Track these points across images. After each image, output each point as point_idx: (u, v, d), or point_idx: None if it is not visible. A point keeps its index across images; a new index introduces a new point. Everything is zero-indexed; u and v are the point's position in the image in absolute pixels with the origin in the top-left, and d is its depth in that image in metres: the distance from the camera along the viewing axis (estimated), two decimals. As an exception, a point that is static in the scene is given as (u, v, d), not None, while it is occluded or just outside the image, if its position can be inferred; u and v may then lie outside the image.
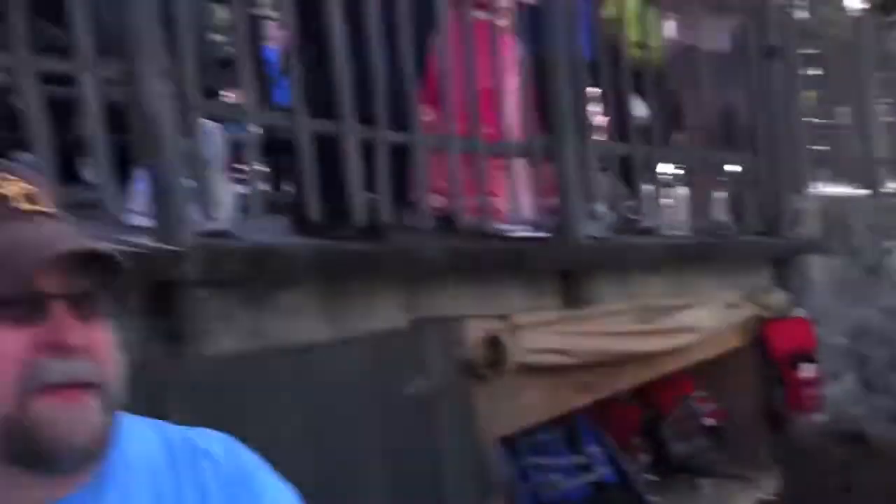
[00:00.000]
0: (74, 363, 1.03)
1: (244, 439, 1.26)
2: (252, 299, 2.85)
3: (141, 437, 1.19)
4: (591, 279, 4.34)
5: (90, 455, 1.07)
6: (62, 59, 2.61)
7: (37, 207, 1.06)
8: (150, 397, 2.40)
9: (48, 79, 2.59)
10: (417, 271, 3.46)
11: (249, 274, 2.80)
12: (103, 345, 1.07)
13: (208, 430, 1.25)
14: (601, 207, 4.62)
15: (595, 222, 4.50)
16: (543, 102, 4.38)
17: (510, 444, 4.24)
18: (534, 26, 4.41)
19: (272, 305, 2.92)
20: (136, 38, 2.67)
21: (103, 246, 1.06)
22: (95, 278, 1.06)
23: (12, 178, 1.08)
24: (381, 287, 3.33)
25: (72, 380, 1.03)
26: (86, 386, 1.04)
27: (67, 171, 2.89)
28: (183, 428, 1.25)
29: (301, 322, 3.00)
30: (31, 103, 2.47)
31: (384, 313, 3.32)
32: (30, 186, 1.08)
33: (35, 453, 1.04)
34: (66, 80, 2.70)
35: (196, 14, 3.17)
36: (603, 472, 4.70)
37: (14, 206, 1.05)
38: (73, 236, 1.06)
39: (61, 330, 1.03)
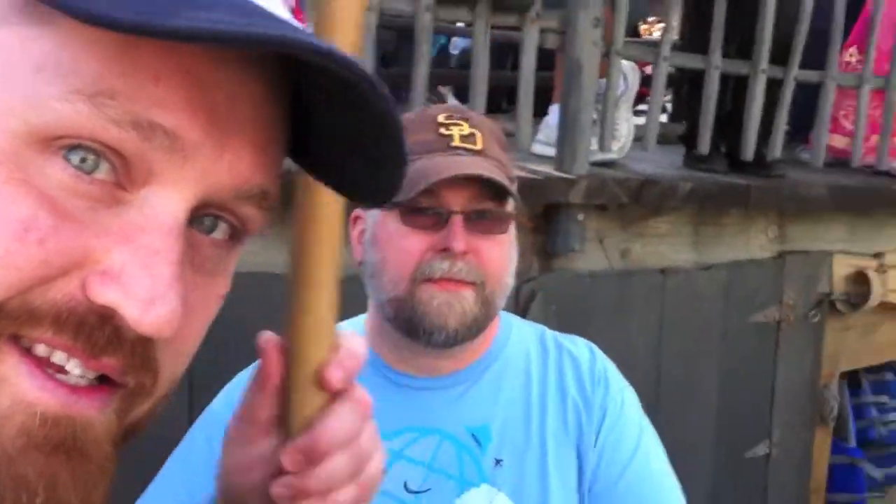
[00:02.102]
0: (457, 264, 1.33)
1: (600, 345, 1.54)
2: (627, 223, 3.22)
3: (522, 334, 1.54)
4: None
5: (459, 336, 1.35)
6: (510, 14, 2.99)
7: (466, 145, 1.37)
8: (521, 302, 2.94)
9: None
10: (792, 206, 3.57)
11: (627, 201, 3.09)
12: (487, 253, 1.36)
13: (578, 338, 1.56)
14: None
15: None
16: None
17: (854, 379, 4.25)
18: None
19: (644, 231, 3.25)
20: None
21: (495, 176, 1.33)
22: (494, 201, 1.36)
23: (461, 121, 1.41)
24: (753, 220, 3.51)
25: (451, 276, 1.32)
26: (463, 282, 1.33)
27: (494, 105, 3.37)
28: (559, 333, 1.56)
29: (669, 247, 3.31)
30: (479, 50, 2.94)
31: (752, 245, 3.52)
32: (470, 128, 1.39)
33: (416, 326, 1.35)
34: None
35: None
36: (948, 416, 4.46)
37: (451, 144, 1.37)
38: (478, 166, 1.34)
39: (451, 238, 1.32)
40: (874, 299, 3.75)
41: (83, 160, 0.47)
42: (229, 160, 0.51)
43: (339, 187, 0.61)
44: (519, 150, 3.03)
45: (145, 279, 0.47)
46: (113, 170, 0.48)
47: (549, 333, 1.56)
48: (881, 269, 3.81)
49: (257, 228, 0.57)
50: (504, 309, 1.51)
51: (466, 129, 1.39)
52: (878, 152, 3.98)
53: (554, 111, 3.23)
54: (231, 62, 0.50)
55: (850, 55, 4.12)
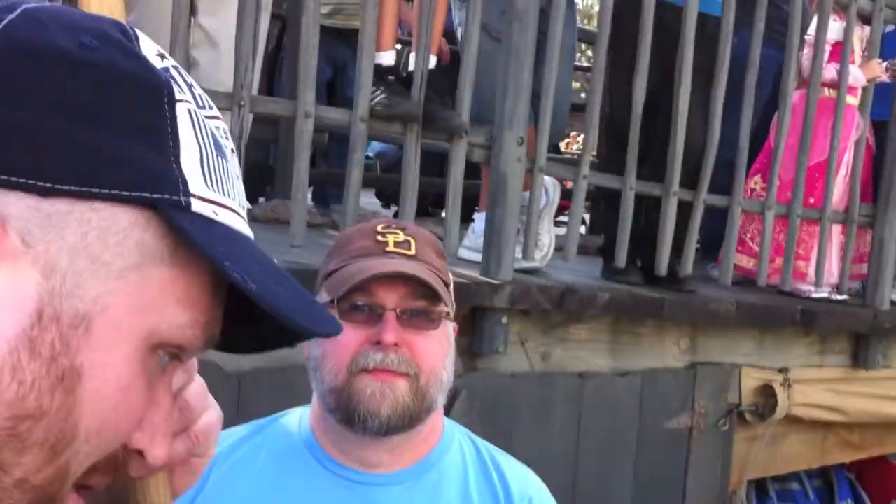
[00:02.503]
0: (389, 355, 1.40)
1: (516, 447, 1.62)
2: (548, 329, 3.39)
3: (461, 442, 1.60)
4: (885, 344, 4.43)
5: (392, 423, 1.41)
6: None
7: (400, 251, 1.48)
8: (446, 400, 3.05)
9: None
10: (703, 320, 3.78)
11: (549, 307, 3.27)
12: (421, 347, 1.43)
13: (512, 459, 1.63)
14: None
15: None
16: (877, 170, 4.54)
17: (762, 487, 4.40)
18: (881, 98, 4.53)
19: (564, 336, 3.42)
20: (504, 112, 3.26)
21: (423, 276, 1.44)
22: (427, 301, 1.46)
23: (398, 230, 1.52)
24: (666, 331, 3.70)
25: (384, 366, 1.40)
26: (395, 372, 1.40)
27: (421, 208, 3.57)
28: (494, 448, 1.64)
29: (587, 353, 3.48)
30: (409, 162, 3.15)
31: (666, 354, 3.70)
32: (405, 236, 1.50)
33: (351, 415, 1.41)
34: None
35: (561, 88, 3.64)
36: (849, 528, 4.63)
37: (386, 249, 1.48)
38: (410, 267, 1.43)
39: (384, 332, 1.40)
40: (780, 412, 3.93)
41: (164, 357, 0.62)
42: None
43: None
44: (447, 254, 3.20)
45: (164, 433, 0.64)
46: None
47: (485, 447, 1.63)
48: (786, 384, 4.00)
49: None
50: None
51: (402, 237, 1.50)
52: (783, 274, 4.23)
53: (480, 219, 3.42)
54: None
55: (755, 183, 4.42)
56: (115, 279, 0.57)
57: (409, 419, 1.43)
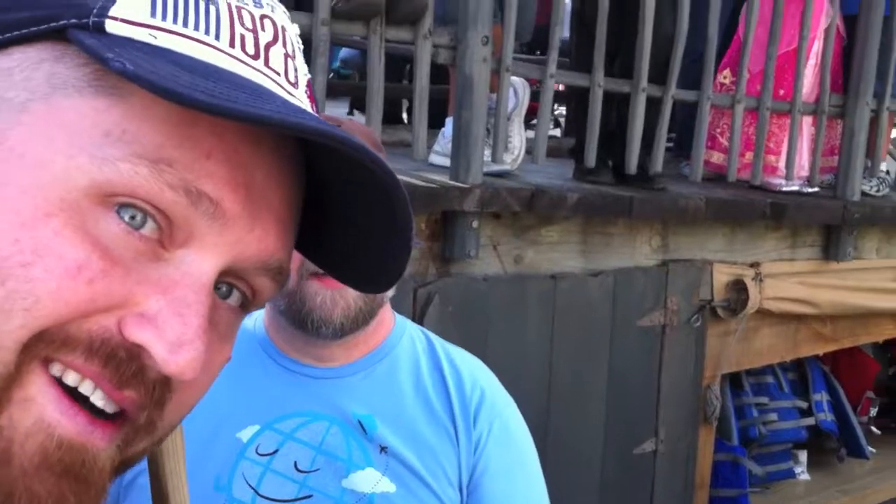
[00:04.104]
0: None
1: (491, 349, 1.58)
2: (519, 232, 3.35)
3: (413, 336, 1.63)
4: (856, 235, 4.44)
5: (345, 328, 1.43)
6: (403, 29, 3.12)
7: None
8: (418, 305, 3.03)
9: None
10: (674, 217, 3.76)
11: (519, 209, 3.23)
12: None
13: (465, 352, 1.64)
14: (884, 166, 4.69)
15: (873, 180, 4.60)
16: (847, 61, 4.48)
17: (736, 381, 4.45)
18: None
19: (536, 238, 3.39)
20: (468, 11, 3.15)
21: None
22: None
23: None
24: (637, 230, 3.67)
25: None
26: None
27: (393, 116, 3.47)
28: (447, 343, 1.65)
29: (558, 254, 3.45)
30: (374, 64, 3.05)
31: (637, 253, 3.69)
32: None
33: (304, 321, 1.42)
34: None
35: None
36: (822, 417, 4.73)
37: None
38: None
39: None
40: (752, 306, 3.94)
41: (132, 217, 0.53)
42: (259, 233, 0.57)
43: (343, 276, 0.69)
44: (415, 160, 3.15)
45: (177, 325, 0.53)
46: (158, 229, 0.53)
47: (438, 340, 1.65)
48: (757, 278, 4.00)
49: (265, 301, 0.63)
50: (401, 312, 1.59)
51: None
52: (753, 168, 4.20)
53: (450, 123, 3.35)
54: (267, 145, 0.57)
55: (724, 77, 4.35)
56: (17, 112, 0.52)
57: (362, 320, 1.46)
